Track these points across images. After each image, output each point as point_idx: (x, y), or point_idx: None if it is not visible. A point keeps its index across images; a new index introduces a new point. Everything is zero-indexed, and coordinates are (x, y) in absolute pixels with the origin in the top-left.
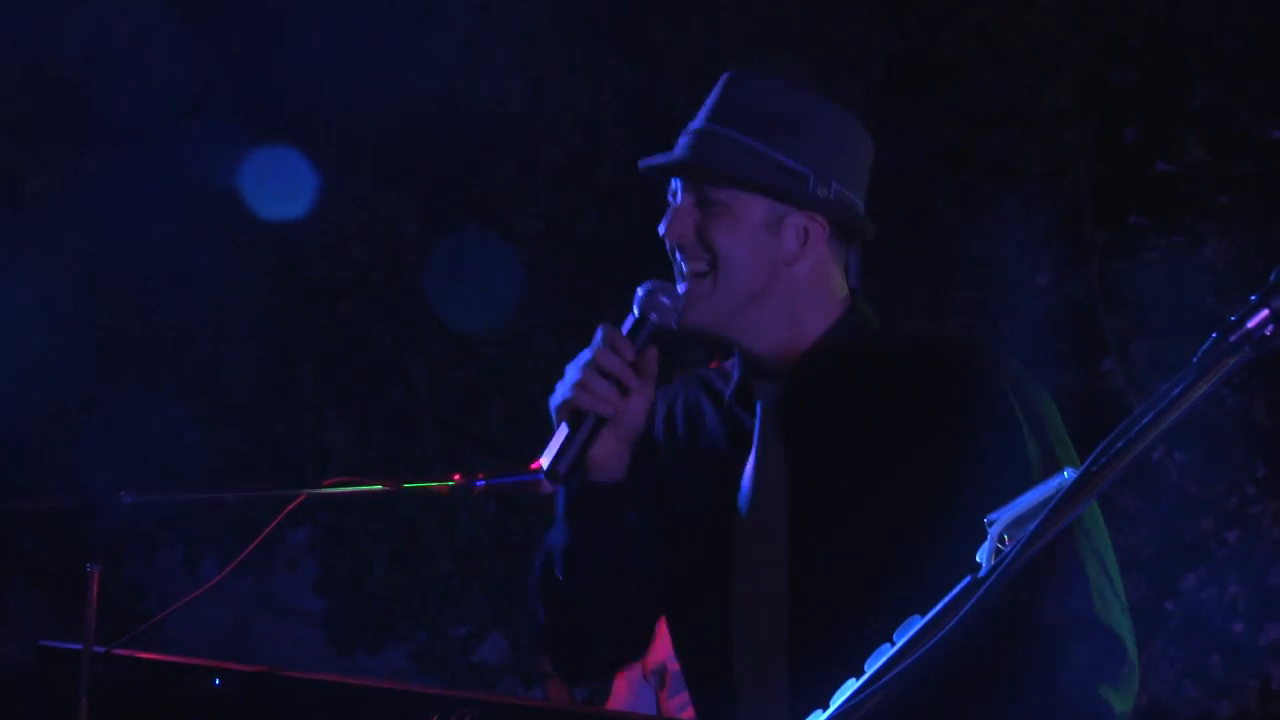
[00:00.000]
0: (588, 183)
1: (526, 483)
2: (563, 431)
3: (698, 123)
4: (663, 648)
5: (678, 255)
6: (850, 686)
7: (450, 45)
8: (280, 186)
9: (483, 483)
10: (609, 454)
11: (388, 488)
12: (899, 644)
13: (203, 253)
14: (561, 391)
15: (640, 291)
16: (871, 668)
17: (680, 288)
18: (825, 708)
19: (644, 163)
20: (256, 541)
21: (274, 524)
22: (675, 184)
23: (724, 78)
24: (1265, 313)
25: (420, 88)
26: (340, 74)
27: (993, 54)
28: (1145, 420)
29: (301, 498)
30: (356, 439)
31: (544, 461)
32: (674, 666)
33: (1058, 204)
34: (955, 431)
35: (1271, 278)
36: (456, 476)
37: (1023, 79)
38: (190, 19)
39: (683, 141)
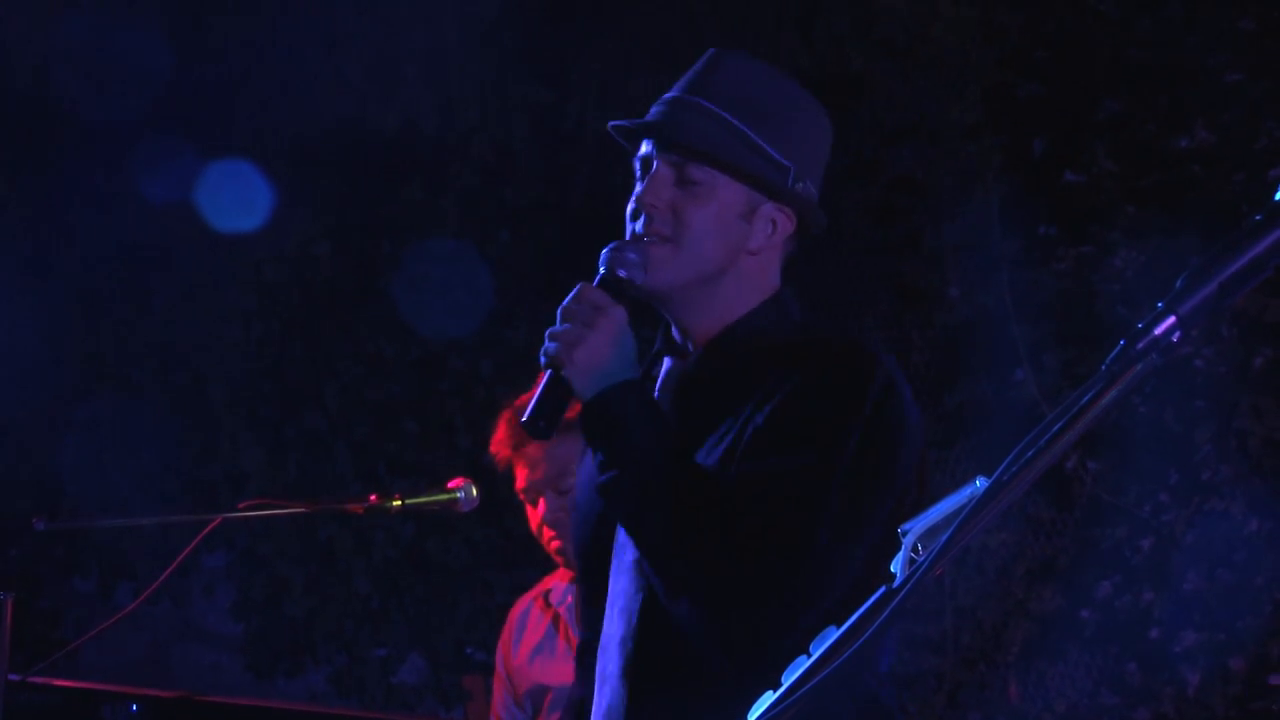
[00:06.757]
0: (498, 202)
1: (444, 502)
2: (541, 384)
3: (679, 92)
4: (536, 670)
5: (640, 220)
6: (768, 699)
7: (360, 65)
8: (232, 199)
9: (400, 503)
10: None
11: (307, 509)
12: (815, 656)
13: (113, 274)
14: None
15: (605, 251)
16: (788, 680)
17: (633, 250)
18: None
19: (623, 123)
20: (172, 567)
21: (190, 548)
22: (648, 149)
23: (709, 54)
24: (1171, 319)
25: (331, 108)
26: (250, 94)
27: (900, 68)
28: (1056, 428)
29: (218, 521)
30: (270, 462)
31: (524, 416)
32: (554, 685)
33: (967, 216)
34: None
35: (1178, 284)
36: (373, 497)
37: (930, 92)
38: (101, 35)
39: (664, 110)
